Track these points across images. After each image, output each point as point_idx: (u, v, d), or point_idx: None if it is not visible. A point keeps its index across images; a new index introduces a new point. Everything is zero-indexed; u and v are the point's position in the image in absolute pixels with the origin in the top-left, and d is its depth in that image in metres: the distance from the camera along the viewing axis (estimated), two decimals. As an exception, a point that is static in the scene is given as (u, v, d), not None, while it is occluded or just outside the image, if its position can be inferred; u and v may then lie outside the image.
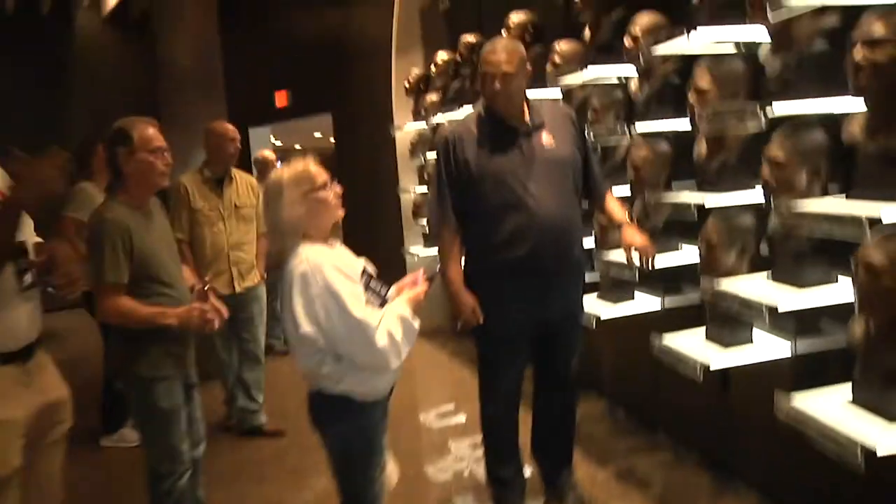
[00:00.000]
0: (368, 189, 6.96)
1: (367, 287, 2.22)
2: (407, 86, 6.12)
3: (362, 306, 2.13)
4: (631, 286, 3.37)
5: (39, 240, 2.22)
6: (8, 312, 1.94)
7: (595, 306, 3.37)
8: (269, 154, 6.60)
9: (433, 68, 5.64)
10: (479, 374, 3.04)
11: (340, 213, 2.27)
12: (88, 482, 3.80)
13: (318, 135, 13.09)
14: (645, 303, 3.32)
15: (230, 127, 4.26)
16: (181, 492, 2.62)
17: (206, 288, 2.66)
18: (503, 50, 2.72)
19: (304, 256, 2.15)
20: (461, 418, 4.32)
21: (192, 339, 2.69)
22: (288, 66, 9.18)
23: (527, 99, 2.83)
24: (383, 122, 6.54)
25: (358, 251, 2.35)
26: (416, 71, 6.11)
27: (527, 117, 2.79)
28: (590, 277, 3.45)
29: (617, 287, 3.38)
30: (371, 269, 2.32)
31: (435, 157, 2.94)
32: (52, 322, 2.37)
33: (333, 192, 2.25)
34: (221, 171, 4.21)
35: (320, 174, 2.24)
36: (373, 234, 6.63)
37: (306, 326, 2.10)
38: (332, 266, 2.13)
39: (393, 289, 2.36)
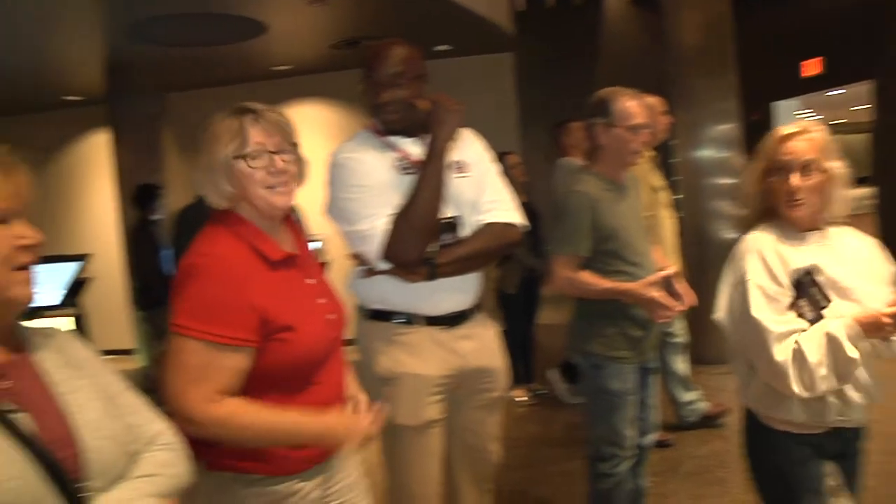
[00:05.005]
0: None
1: (802, 292, 1.79)
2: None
3: (770, 308, 1.77)
4: None
5: None
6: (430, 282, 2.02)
7: None
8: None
9: None
10: None
11: (798, 213, 1.84)
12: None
13: (859, 108, 11.51)
14: None
15: (655, 100, 3.75)
16: (620, 477, 2.56)
17: (670, 274, 2.47)
18: None
19: (747, 238, 1.90)
20: None
21: (653, 324, 2.52)
22: (819, 31, 8.24)
23: None
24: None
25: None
26: None
27: None
28: None
29: None
30: (829, 272, 1.81)
31: None
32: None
33: (792, 186, 1.81)
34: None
35: (795, 154, 1.81)
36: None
37: (720, 311, 1.90)
38: (759, 256, 1.83)
39: (849, 304, 1.80)
